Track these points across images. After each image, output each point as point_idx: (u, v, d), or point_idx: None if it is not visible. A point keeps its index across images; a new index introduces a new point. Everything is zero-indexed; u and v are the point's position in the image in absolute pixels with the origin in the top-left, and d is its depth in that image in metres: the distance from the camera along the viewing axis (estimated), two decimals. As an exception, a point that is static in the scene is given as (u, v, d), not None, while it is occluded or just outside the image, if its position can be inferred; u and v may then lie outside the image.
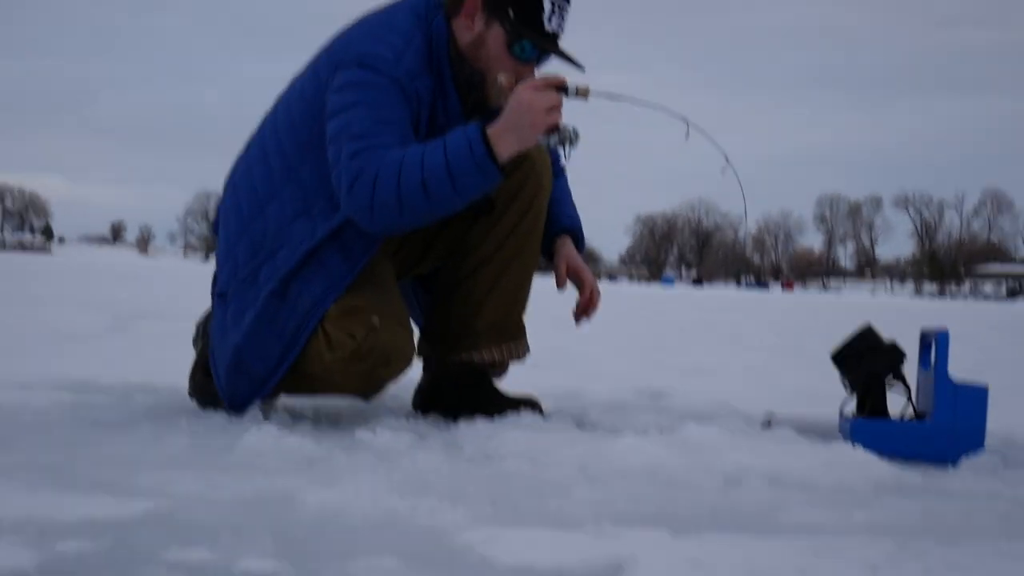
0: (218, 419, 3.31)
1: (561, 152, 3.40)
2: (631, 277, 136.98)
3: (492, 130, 3.16)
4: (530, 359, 3.75)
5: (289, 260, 3.26)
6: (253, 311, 3.27)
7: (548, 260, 3.73)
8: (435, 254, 3.68)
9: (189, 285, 20.03)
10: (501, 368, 3.70)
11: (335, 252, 3.27)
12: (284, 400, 3.64)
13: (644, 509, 2.42)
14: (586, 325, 3.74)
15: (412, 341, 3.39)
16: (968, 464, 3.17)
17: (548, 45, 3.33)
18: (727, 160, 3.41)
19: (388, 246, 3.48)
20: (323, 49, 3.40)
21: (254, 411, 3.32)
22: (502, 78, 3.29)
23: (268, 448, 2.87)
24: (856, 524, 2.36)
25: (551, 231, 3.70)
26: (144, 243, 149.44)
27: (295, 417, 3.44)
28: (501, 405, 3.56)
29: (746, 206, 3.59)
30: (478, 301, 3.60)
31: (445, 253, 3.67)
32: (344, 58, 3.27)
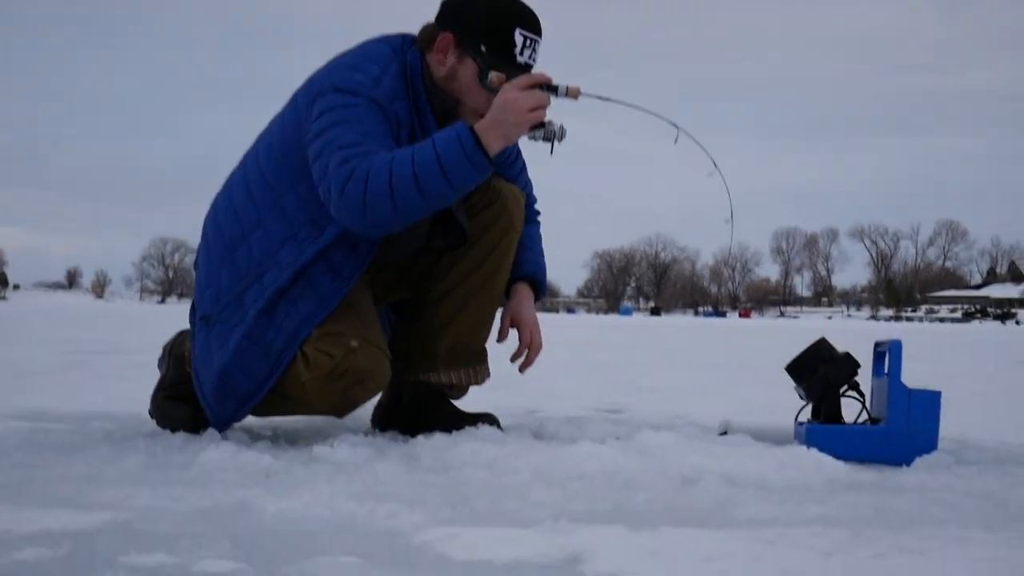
0: (176, 439, 3.31)
1: (549, 147, 3.41)
2: (589, 309, 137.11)
3: (479, 126, 3.20)
4: (491, 382, 3.77)
5: (277, 280, 3.28)
6: (241, 330, 3.29)
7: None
8: (408, 283, 3.71)
9: (145, 324, 19.92)
10: (460, 391, 3.73)
11: (324, 272, 3.30)
12: (244, 420, 3.65)
13: (601, 508, 2.44)
14: (528, 370, 3.77)
15: (388, 365, 3.41)
16: (921, 462, 3.21)
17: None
18: (715, 164, 3.46)
19: (365, 274, 3.50)
20: (301, 86, 3.43)
21: (211, 430, 3.32)
22: (492, 76, 3.32)
23: (226, 463, 2.88)
24: (810, 517, 2.39)
25: (511, 276, 3.74)
26: (100, 287, 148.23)
27: (253, 436, 3.45)
28: (459, 421, 3.58)
29: (732, 207, 3.61)
30: (440, 326, 3.64)
31: (414, 285, 3.70)
32: (322, 88, 3.31)
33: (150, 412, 3.62)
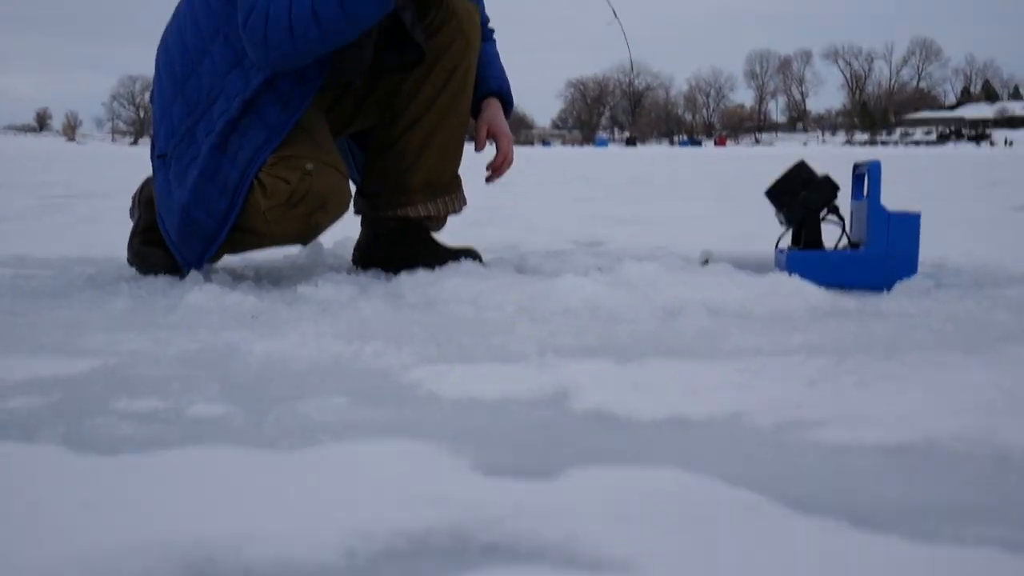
0: (160, 282, 3.31)
1: None
2: (564, 141, 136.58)
3: None
4: (468, 216, 3.77)
5: (226, 112, 3.24)
6: (196, 167, 3.25)
7: (475, 120, 3.74)
8: (368, 112, 3.67)
9: (118, 167, 19.80)
10: (438, 222, 3.71)
11: (272, 102, 3.26)
12: (225, 261, 3.65)
13: (587, 342, 2.45)
14: (496, 182, 3.79)
15: (348, 186, 3.38)
16: (902, 287, 3.23)
17: None
18: (615, 14, 3.45)
19: (322, 102, 3.47)
20: None
21: (194, 273, 3.32)
22: None
23: (211, 305, 2.88)
24: (793, 346, 2.40)
25: (478, 93, 3.71)
26: (71, 129, 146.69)
27: (236, 277, 3.44)
28: (441, 256, 3.58)
29: (632, 58, 3.63)
30: (411, 159, 3.61)
31: (377, 111, 3.66)
32: None
33: (129, 260, 3.60)
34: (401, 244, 3.64)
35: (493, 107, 3.72)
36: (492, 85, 3.73)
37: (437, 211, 3.66)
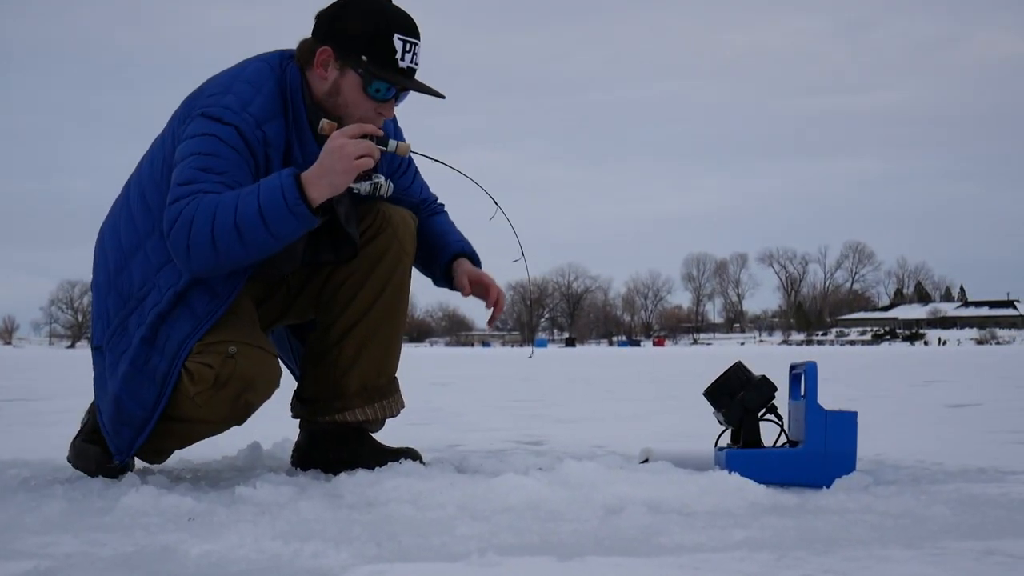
0: (95, 484, 3.27)
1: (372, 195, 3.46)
2: (504, 342, 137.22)
3: (305, 175, 3.19)
4: (408, 417, 3.77)
5: (157, 305, 3.27)
6: (127, 359, 3.28)
7: (448, 285, 3.80)
8: (299, 307, 3.70)
9: (55, 370, 19.64)
10: (377, 424, 3.71)
11: (201, 294, 3.28)
12: (164, 465, 3.62)
13: (528, 540, 2.44)
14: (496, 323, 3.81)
15: (276, 365, 3.39)
16: (840, 484, 3.25)
17: (404, 82, 3.38)
18: (496, 204, 3.68)
19: (253, 291, 3.51)
20: (182, 103, 3.42)
21: (131, 475, 3.28)
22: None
23: (148, 507, 2.84)
24: (735, 542, 2.40)
25: (443, 258, 3.77)
26: (8, 333, 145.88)
27: (173, 479, 3.42)
28: (382, 456, 3.57)
29: (520, 243, 3.75)
30: (347, 365, 3.63)
31: (309, 305, 3.70)
32: (192, 111, 3.32)
33: (68, 459, 3.58)
34: (341, 446, 3.63)
35: (464, 263, 3.78)
36: (456, 248, 3.79)
37: (375, 415, 3.66)
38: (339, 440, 3.64)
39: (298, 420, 3.75)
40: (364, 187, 3.35)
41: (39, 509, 2.88)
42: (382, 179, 3.38)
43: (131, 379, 3.27)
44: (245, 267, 3.31)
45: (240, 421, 3.38)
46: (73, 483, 3.32)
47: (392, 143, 3.36)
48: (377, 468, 3.42)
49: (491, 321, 3.77)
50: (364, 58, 3.33)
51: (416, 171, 3.86)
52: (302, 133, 3.37)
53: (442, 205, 3.91)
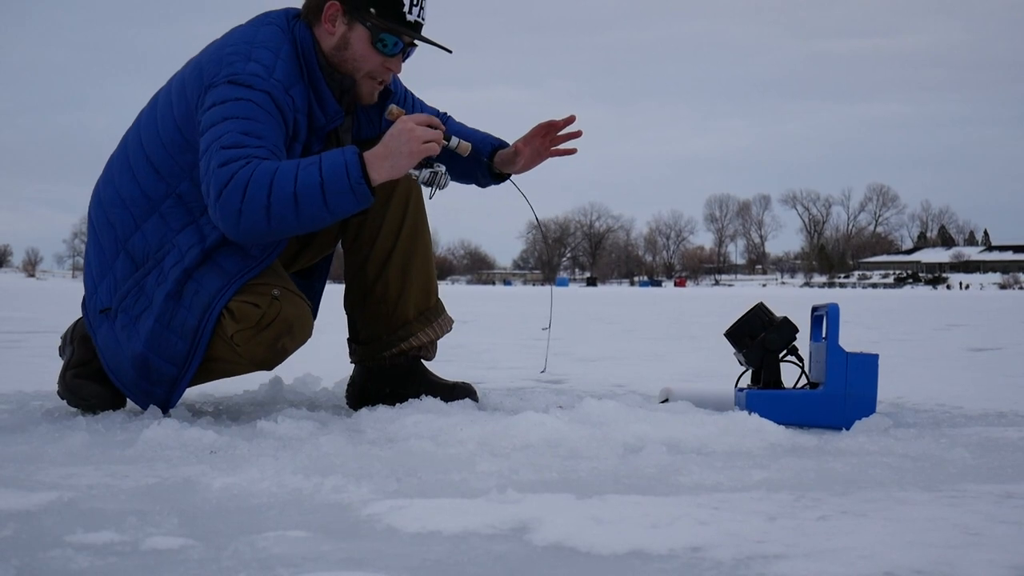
0: (117, 417, 3.29)
1: (425, 193, 3.46)
2: (525, 281, 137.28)
3: (369, 155, 3.19)
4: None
5: (180, 262, 3.26)
6: (151, 316, 3.27)
7: (496, 180, 3.83)
8: (309, 254, 3.72)
9: (78, 301, 19.69)
10: (432, 349, 3.74)
11: (232, 254, 3.28)
12: (183, 397, 3.63)
13: (547, 477, 2.45)
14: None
15: (311, 314, 3.40)
16: (860, 426, 3.26)
17: (412, 34, 3.38)
18: (537, 221, 3.81)
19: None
20: (190, 68, 3.38)
21: (152, 407, 3.30)
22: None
23: (169, 440, 2.86)
24: (753, 482, 2.41)
25: (486, 149, 3.77)
26: (31, 265, 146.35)
27: (195, 413, 3.44)
28: (440, 390, 3.62)
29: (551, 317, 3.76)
30: (396, 296, 3.65)
31: (318, 252, 3.73)
32: (214, 78, 3.26)
33: (59, 393, 3.56)
34: (399, 380, 3.66)
35: (504, 152, 3.79)
36: (491, 144, 3.80)
37: (434, 334, 3.71)
38: (398, 375, 3.67)
39: (356, 360, 3.76)
40: (424, 174, 3.34)
41: (62, 441, 2.90)
42: (442, 168, 3.37)
43: (158, 336, 3.26)
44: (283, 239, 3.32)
45: (271, 366, 3.38)
46: (96, 416, 3.34)
47: (455, 140, 3.40)
48: (398, 404, 3.44)
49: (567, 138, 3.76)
50: (372, 10, 3.34)
51: (415, 99, 3.86)
52: (321, 94, 3.37)
53: (447, 113, 3.92)
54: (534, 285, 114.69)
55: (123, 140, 3.49)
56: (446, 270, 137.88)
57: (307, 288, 3.75)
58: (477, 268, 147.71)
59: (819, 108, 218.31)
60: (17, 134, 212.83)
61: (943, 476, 2.53)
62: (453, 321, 3.80)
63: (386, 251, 3.63)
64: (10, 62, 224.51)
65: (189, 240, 3.27)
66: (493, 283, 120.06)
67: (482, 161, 3.76)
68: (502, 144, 3.79)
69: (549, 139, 3.73)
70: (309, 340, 3.40)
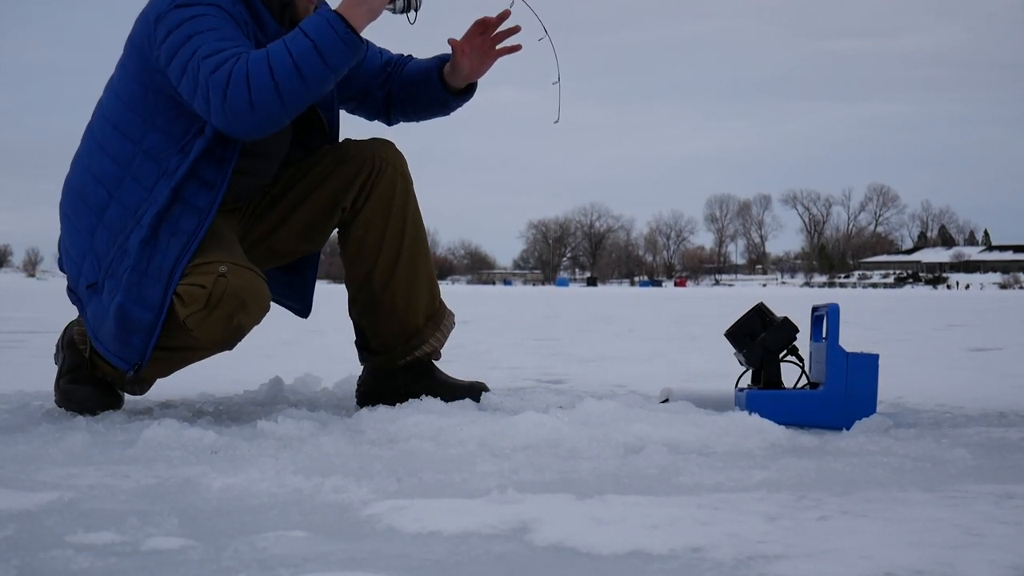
0: (118, 417, 3.30)
1: (407, 19, 3.43)
2: (525, 281, 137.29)
3: (342, 7, 3.22)
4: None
5: (154, 205, 3.26)
6: (128, 267, 3.24)
7: (463, 95, 3.76)
8: (284, 239, 3.71)
9: (80, 304, 19.69)
10: (437, 353, 3.76)
11: (197, 188, 3.28)
12: (185, 396, 3.64)
13: (547, 478, 2.46)
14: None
15: (265, 287, 3.34)
16: (860, 426, 3.26)
17: None
18: (545, 31, 3.66)
19: (231, 224, 3.53)
20: (135, 24, 3.39)
21: (154, 408, 3.30)
22: None
23: (170, 440, 2.86)
24: (754, 482, 2.41)
25: (433, 65, 3.73)
26: (31, 265, 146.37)
27: (195, 413, 3.44)
28: (454, 391, 3.65)
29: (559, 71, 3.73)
30: (405, 305, 3.67)
31: (296, 239, 3.70)
32: (160, 10, 3.27)
33: (56, 401, 3.56)
34: (414, 382, 3.67)
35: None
36: (436, 60, 3.74)
37: (443, 335, 3.75)
38: (410, 376, 3.69)
39: (368, 364, 3.77)
40: (398, 4, 3.35)
41: (62, 441, 2.90)
42: None
43: (135, 284, 3.23)
44: (232, 150, 3.31)
45: (231, 345, 3.34)
46: (96, 416, 3.34)
47: None
48: (398, 404, 3.44)
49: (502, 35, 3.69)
50: None
51: (378, 50, 3.82)
52: (259, 15, 3.37)
53: (410, 56, 3.86)
54: (534, 285, 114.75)
55: (87, 129, 3.50)
56: (446, 270, 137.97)
57: (299, 281, 3.78)
58: (477, 268, 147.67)
59: (820, 108, 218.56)
60: (19, 134, 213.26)
61: (943, 476, 2.53)
62: (455, 315, 3.83)
63: (391, 262, 3.64)
64: (12, 63, 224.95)
65: (162, 190, 3.27)
66: (493, 283, 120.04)
67: (433, 78, 3.71)
68: (447, 57, 3.73)
69: (490, 38, 3.66)
70: (306, 331, 3.39)
